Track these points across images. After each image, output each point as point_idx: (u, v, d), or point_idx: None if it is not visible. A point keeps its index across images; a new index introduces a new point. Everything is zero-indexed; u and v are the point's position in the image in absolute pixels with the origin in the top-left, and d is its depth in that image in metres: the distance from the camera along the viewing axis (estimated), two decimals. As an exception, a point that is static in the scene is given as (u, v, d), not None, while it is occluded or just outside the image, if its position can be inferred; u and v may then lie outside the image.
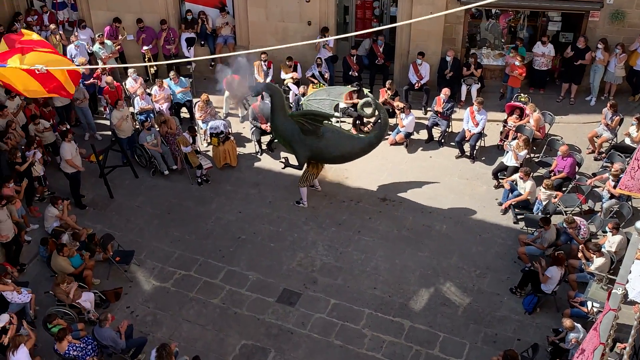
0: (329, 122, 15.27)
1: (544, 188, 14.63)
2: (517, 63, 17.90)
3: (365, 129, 17.65)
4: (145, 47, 19.43)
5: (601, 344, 5.56)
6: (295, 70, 18.82)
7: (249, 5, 19.24)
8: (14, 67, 13.53)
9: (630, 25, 17.97)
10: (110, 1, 19.69)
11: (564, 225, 13.83)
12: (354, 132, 17.31)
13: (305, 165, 15.38)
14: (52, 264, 13.61)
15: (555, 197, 14.60)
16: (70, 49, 18.94)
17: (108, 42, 19.04)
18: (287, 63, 18.74)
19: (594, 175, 15.78)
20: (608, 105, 16.68)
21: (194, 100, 18.32)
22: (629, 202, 14.34)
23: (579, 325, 11.70)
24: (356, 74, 18.76)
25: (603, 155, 16.60)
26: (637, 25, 17.88)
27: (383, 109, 15.42)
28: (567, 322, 11.63)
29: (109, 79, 17.83)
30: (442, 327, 12.93)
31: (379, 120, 15.42)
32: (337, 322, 13.08)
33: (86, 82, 18.14)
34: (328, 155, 15.10)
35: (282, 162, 15.72)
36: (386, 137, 17.72)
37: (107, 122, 17.99)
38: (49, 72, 13.56)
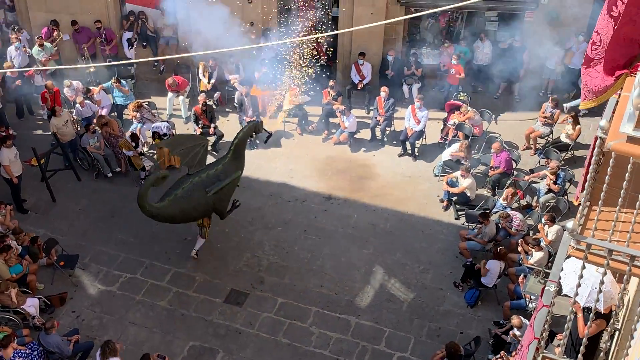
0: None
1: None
2: (453, 62, 18.32)
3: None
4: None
5: (535, 338, 5.82)
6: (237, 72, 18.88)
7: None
8: None
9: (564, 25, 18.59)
10: (49, 2, 19.35)
11: (499, 220, 14.27)
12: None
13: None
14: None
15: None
16: (11, 50, 18.52)
17: (47, 44, 18.69)
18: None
19: (532, 171, 16.28)
20: (550, 99, 17.22)
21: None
22: (565, 197, 14.88)
23: (526, 321, 11.74)
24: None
25: (539, 150, 17.11)
26: (571, 25, 18.47)
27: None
28: (514, 320, 11.76)
29: (49, 83, 17.33)
30: (387, 323, 13.21)
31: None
32: (285, 321, 13.23)
33: (11, 86, 17.79)
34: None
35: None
36: (330, 136, 17.96)
37: (47, 122, 17.65)
38: None
